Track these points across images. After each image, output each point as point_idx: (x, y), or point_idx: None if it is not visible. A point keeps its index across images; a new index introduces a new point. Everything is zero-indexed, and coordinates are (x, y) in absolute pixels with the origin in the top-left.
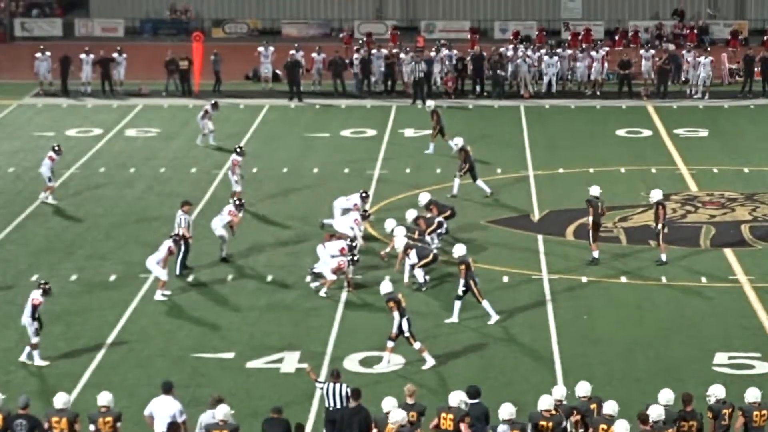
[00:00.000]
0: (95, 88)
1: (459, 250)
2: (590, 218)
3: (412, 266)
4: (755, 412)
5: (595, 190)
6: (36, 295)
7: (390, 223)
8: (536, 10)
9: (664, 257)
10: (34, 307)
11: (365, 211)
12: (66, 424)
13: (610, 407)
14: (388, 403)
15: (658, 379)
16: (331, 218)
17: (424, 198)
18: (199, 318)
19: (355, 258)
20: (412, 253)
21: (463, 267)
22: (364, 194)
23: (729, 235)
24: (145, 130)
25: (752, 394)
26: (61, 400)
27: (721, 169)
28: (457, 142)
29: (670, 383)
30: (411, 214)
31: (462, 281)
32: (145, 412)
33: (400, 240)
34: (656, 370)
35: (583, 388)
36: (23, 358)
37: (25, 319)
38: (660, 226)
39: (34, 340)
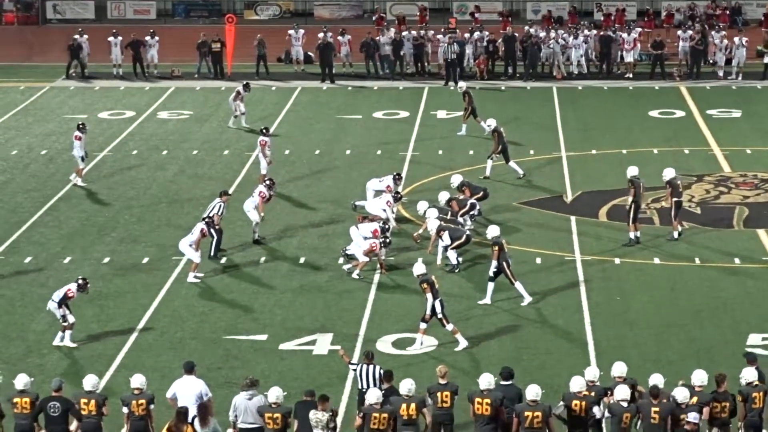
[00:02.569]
0: (127, 71)
1: (492, 231)
2: (630, 198)
3: (445, 248)
4: (753, 393)
5: (634, 170)
6: (72, 288)
7: (422, 205)
8: None
9: (676, 234)
10: (67, 297)
11: (398, 192)
12: (94, 405)
13: (656, 379)
14: (405, 386)
15: (691, 360)
16: (364, 200)
17: (456, 179)
18: (231, 300)
19: (388, 240)
20: (445, 234)
21: (496, 248)
22: (397, 176)
23: (762, 216)
24: (177, 113)
25: (750, 374)
26: (90, 382)
27: (755, 149)
28: (490, 124)
29: (704, 365)
30: (444, 196)
31: (494, 263)
32: (168, 395)
33: (432, 222)
34: (689, 352)
35: (619, 369)
36: (56, 341)
37: (51, 303)
38: (672, 202)
39: (65, 323)
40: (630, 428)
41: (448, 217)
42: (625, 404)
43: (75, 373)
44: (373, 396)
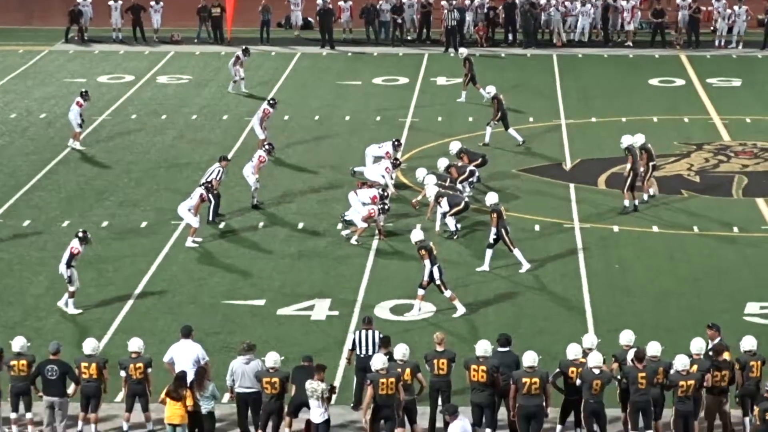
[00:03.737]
0: (126, 35)
1: (491, 198)
2: (628, 166)
3: (444, 215)
4: (751, 362)
5: (629, 139)
6: (75, 244)
7: (421, 172)
8: None
9: (646, 197)
10: (72, 256)
11: (396, 159)
12: (95, 369)
13: (653, 348)
14: (399, 351)
15: (689, 329)
16: (363, 166)
17: (455, 146)
18: (230, 265)
19: (386, 207)
20: (444, 201)
21: (494, 215)
22: (396, 142)
23: (761, 185)
24: (176, 77)
25: (748, 343)
26: (90, 345)
27: (754, 118)
28: (489, 91)
29: (702, 333)
30: (443, 163)
31: (493, 230)
32: (165, 359)
33: (431, 188)
34: (687, 320)
35: (626, 337)
36: (61, 303)
37: (62, 266)
38: (650, 167)
39: (72, 288)
40: (601, 395)
41: (447, 183)
42: (597, 371)
43: (73, 336)
44: (379, 362)
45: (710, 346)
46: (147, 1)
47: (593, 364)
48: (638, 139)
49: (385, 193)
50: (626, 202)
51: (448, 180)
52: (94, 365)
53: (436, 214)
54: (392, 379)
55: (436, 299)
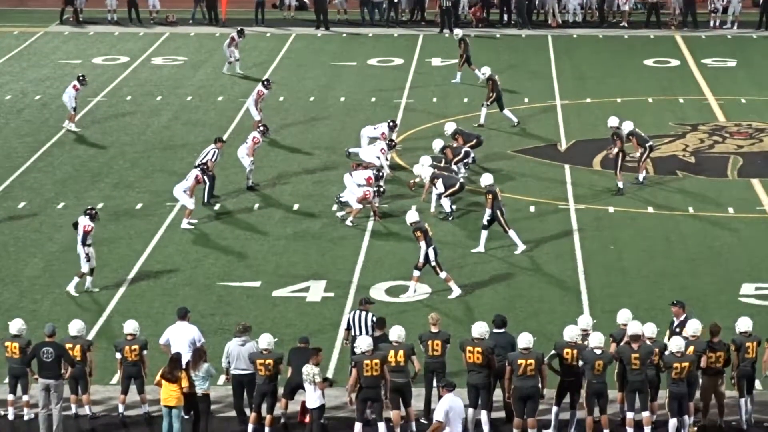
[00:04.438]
0: (121, 17)
1: (486, 179)
2: (616, 148)
3: (439, 196)
4: (747, 343)
5: (614, 121)
6: (86, 222)
7: (424, 161)
8: None
9: (641, 177)
10: (86, 234)
11: (392, 140)
12: (79, 351)
13: (649, 329)
14: (395, 333)
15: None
16: (358, 147)
17: (449, 127)
18: (225, 247)
19: (381, 189)
20: (439, 182)
21: (489, 197)
22: (392, 123)
23: (757, 166)
24: (171, 59)
25: (744, 324)
26: (75, 327)
27: (749, 99)
28: (484, 72)
29: (697, 314)
30: (438, 144)
31: (488, 211)
32: (161, 341)
33: (426, 170)
34: (683, 301)
35: (623, 316)
36: (70, 288)
37: (78, 247)
38: (647, 147)
39: (84, 268)
40: (603, 375)
41: (442, 164)
42: (598, 351)
43: (69, 318)
44: (364, 343)
45: (676, 324)
46: None
47: (595, 344)
48: (626, 127)
49: (380, 174)
50: (620, 184)
51: (443, 161)
52: (78, 346)
53: (431, 195)
54: (377, 360)
55: (431, 281)
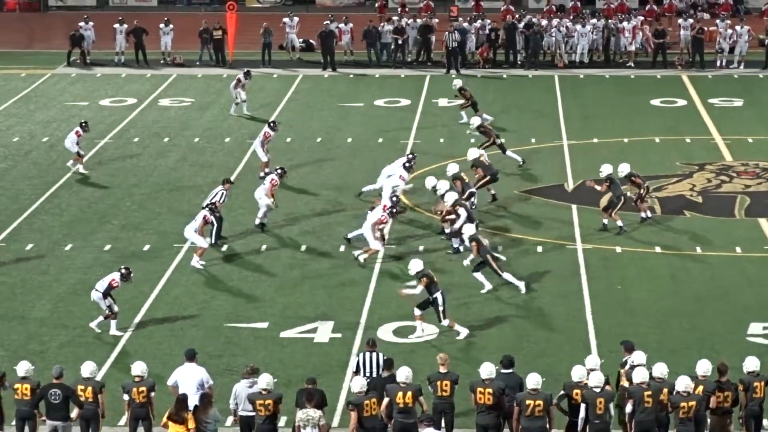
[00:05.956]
0: (128, 58)
1: (468, 229)
2: (609, 194)
3: (450, 233)
4: (755, 383)
5: (608, 168)
6: (116, 277)
7: (431, 181)
8: None
9: (644, 215)
10: (110, 287)
11: (412, 155)
12: (91, 393)
13: (658, 370)
14: (402, 374)
15: (692, 349)
16: (372, 185)
17: (452, 169)
18: (232, 288)
19: (397, 209)
20: (462, 210)
21: (474, 244)
22: (411, 157)
23: (764, 205)
24: (179, 100)
25: (751, 363)
26: (87, 369)
27: (756, 138)
28: (472, 123)
29: (705, 354)
30: (453, 168)
31: (478, 258)
32: (169, 382)
33: (450, 195)
34: (691, 341)
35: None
36: (93, 324)
37: (95, 293)
38: (645, 187)
39: (112, 312)
40: (605, 415)
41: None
42: (598, 390)
43: (76, 360)
44: (357, 385)
45: (628, 366)
46: (149, 24)
47: (594, 383)
48: (623, 169)
49: (396, 198)
50: (619, 223)
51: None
52: (90, 389)
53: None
54: (374, 399)
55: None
